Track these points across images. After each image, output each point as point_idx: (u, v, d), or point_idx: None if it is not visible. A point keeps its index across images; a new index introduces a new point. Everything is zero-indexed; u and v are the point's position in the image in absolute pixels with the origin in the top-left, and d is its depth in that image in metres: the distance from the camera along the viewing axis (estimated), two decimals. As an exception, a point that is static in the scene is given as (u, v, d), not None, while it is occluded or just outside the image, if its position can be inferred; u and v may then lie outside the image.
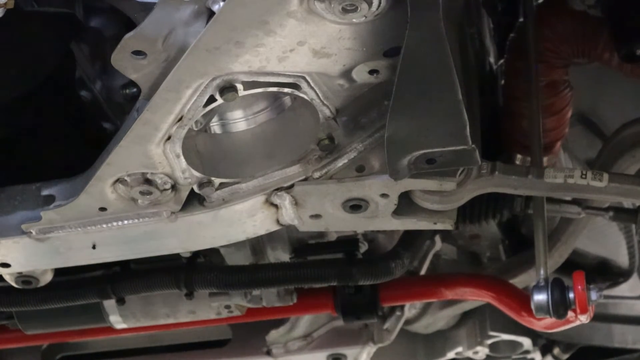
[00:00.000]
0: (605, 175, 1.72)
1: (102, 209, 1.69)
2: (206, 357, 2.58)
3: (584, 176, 1.71)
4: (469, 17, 1.89)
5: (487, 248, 2.65)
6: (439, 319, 2.76)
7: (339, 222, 1.76)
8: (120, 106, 1.93)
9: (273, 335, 2.51)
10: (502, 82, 2.15)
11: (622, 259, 2.69)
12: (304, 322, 2.52)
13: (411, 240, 2.17)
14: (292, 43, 1.39)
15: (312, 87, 1.49)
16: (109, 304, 2.24)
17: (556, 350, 2.95)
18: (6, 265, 1.86)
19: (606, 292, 2.06)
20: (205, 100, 1.47)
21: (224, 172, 1.66)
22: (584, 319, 1.85)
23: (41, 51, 1.77)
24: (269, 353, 2.55)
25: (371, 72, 1.48)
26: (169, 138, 1.54)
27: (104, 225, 1.74)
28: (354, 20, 1.35)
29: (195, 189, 1.67)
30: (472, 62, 1.87)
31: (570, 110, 2.08)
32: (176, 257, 2.09)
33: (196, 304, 2.23)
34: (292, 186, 1.68)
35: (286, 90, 1.50)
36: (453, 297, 2.32)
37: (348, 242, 2.17)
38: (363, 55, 1.44)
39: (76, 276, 2.14)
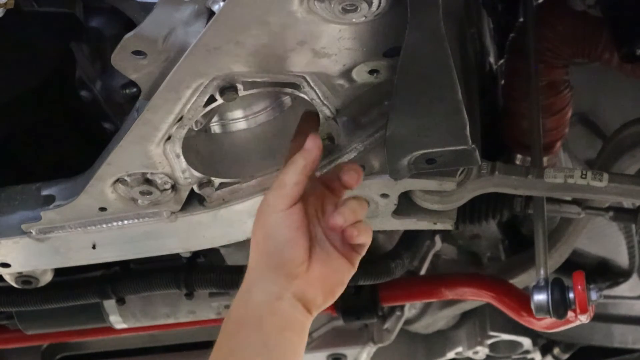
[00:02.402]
0: (605, 175, 1.72)
1: (102, 209, 1.69)
2: (206, 357, 2.57)
3: (584, 176, 1.71)
4: (469, 17, 1.88)
5: (487, 248, 2.65)
6: (439, 319, 2.76)
7: (339, 222, 1.76)
8: (120, 106, 1.93)
9: (273, 335, 2.50)
10: (502, 82, 2.15)
11: (622, 259, 2.69)
12: (304, 322, 2.51)
13: (411, 240, 2.17)
14: (292, 43, 1.39)
15: (312, 87, 1.49)
16: (109, 304, 2.24)
17: (556, 350, 2.95)
18: (6, 265, 1.86)
19: (606, 292, 2.06)
20: (205, 100, 1.47)
21: (224, 172, 1.66)
22: (584, 319, 1.85)
23: (41, 51, 1.77)
24: (269, 353, 2.54)
25: (371, 72, 1.47)
26: (169, 138, 1.54)
27: (104, 225, 1.74)
28: (354, 20, 1.35)
29: (195, 189, 1.67)
30: (472, 62, 1.87)
31: (570, 110, 2.08)
32: (176, 257, 2.09)
33: (196, 304, 2.23)
34: (292, 186, 1.67)
35: (286, 90, 1.50)
36: (453, 297, 2.32)
37: (348, 242, 2.17)
38: (363, 55, 1.44)
39: (76, 276, 2.14)
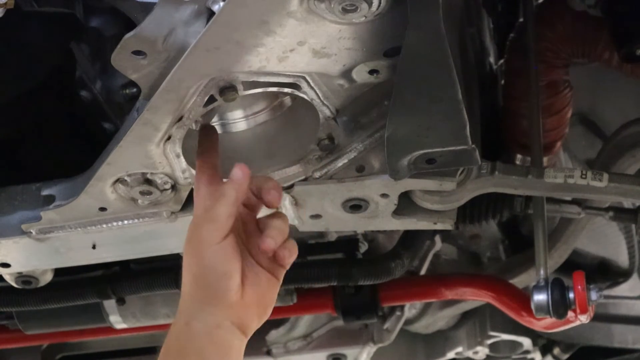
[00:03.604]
0: (605, 175, 1.72)
1: (102, 209, 1.69)
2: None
3: (584, 176, 1.71)
4: (469, 17, 1.88)
5: (487, 248, 2.65)
6: (439, 319, 2.76)
7: (339, 222, 1.76)
8: (120, 106, 1.93)
9: (273, 335, 2.51)
10: (502, 82, 2.15)
11: (622, 259, 2.69)
12: (304, 322, 2.52)
13: (411, 240, 2.17)
14: (292, 43, 1.39)
15: (312, 87, 1.49)
16: (109, 304, 2.24)
17: (556, 350, 2.95)
18: (6, 265, 1.86)
19: (606, 292, 2.06)
20: (205, 100, 1.47)
21: (224, 172, 1.66)
22: (584, 319, 1.85)
23: (41, 51, 1.76)
24: (269, 353, 2.55)
25: (371, 72, 1.47)
26: (169, 138, 1.54)
27: (104, 225, 1.74)
28: (354, 20, 1.35)
29: (195, 189, 1.67)
30: (472, 62, 1.87)
31: (570, 110, 2.08)
32: (176, 257, 2.09)
33: (196, 304, 2.23)
34: (292, 186, 1.67)
35: (286, 90, 1.50)
36: (453, 297, 2.32)
37: (348, 242, 2.17)
38: (363, 55, 1.44)
39: (76, 276, 2.14)
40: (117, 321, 2.27)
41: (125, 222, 1.73)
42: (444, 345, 2.87)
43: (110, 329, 2.32)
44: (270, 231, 1.41)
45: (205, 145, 1.50)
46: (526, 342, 2.85)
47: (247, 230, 1.44)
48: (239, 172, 1.40)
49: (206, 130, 1.52)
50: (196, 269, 1.39)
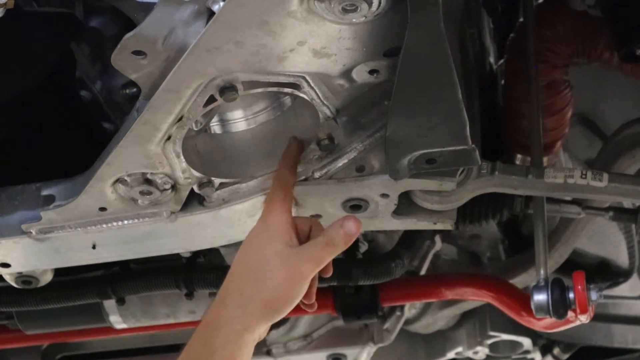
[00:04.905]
0: (605, 175, 1.72)
1: (102, 209, 1.69)
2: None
3: (584, 176, 1.71)
4: (469, 17, 1.88)
5: (487, 248, 2.65)
6: (439, 319, 2.77)
7: (339, 222, 1.76)
8: (120, 106, 1.93)
9: (273, 335, 2.51)
10: (502, 82, 2.15)
11: (622, 259, 2.69)
12: (304, 322, 2.52)
13: (411, 240, 2.17)
14: (292, 43, 1.39)
15: (312, 87, 1.49)
16: (109, 304, 2.24)
17: (556, 350, 2.95)
18: (6, 265, 1.86)
19: (606, 292, 2.06)
20: (205, 100, 1.47)
21: (224, 172, 1.66)
22: (584, 319, 1.85)
23: (41, 51, 1.77)
24: (269, 353, 2.55)
25: (371, 72, 1.48)
26: (169, 138, 1.54)
27: (104, 225, 1.74)
28: (354, 20, 1.35)
29: (195, 189, 1.67)
30: (472, 62, 1.87)
31: (570, 110, 2.08)
32: (176, 257, 2.10)
33: (196, 304, 2.23)
34: (292, 186, 1.67)
35: (286, 90, 1.50)
36: (453, 297, 2.32)
37: (348, 242, 2.17)
38: (363, 55, 1.44)
39: (76, 276, 2.14)
40: (117, 321, 2.27)
41: (125, 222, 1.73)
42: (444, 345, 2.88)
43: (110, 329, 2.32)
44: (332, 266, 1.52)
45: (290, 155, 1.58)
46: (526, 342, 2.85)
47: None
48: (353, 227, 1.45)
49: (295, 141, 1.60)
50: (280, 293, 1.44)
